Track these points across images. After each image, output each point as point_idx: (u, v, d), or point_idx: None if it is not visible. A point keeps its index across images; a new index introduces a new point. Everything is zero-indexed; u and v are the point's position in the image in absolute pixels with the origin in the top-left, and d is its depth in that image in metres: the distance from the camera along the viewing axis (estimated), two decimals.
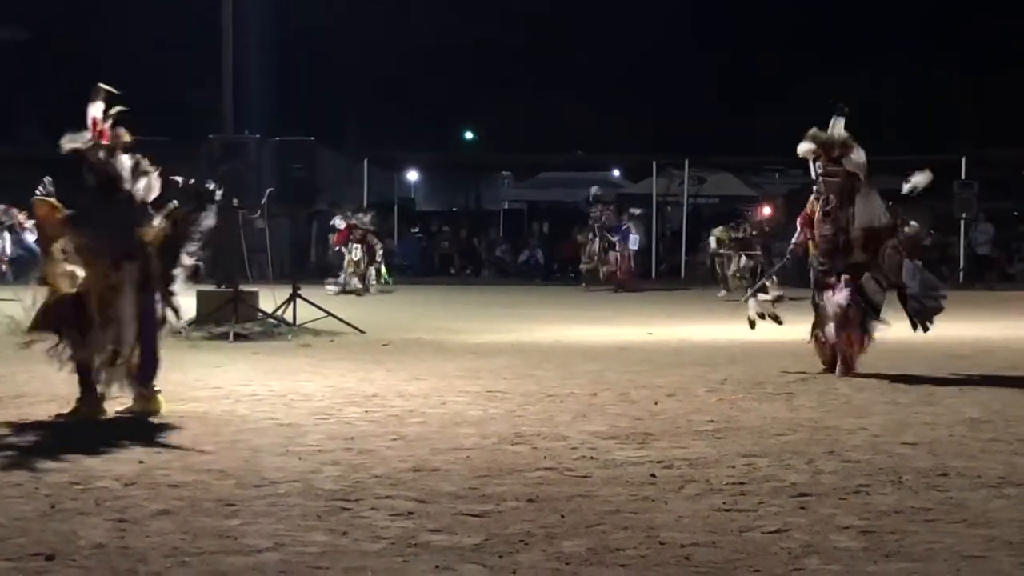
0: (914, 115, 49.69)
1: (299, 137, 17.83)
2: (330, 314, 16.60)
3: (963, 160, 32.14)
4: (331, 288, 23.52)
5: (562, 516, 6.31)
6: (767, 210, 28.02)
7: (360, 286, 24.56)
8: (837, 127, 11.98)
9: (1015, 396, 10.62)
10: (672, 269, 33.99)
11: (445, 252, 37.00)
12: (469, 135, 53.85)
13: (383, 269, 25.59)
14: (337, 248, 25.57)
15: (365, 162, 35.06)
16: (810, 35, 53.59)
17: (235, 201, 16.37)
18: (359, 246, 24.81)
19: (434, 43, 47.37)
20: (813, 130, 12.08)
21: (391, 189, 41.01)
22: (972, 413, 9.65)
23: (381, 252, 25.54)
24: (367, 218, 25.59)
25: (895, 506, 6.55)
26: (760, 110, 52.31)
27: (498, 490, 6.88)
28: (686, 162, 36.20)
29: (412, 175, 46.70)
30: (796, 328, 17.44)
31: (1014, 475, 7.33)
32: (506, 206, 45.36)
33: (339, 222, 25.29)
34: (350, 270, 24.70)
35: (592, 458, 7.81)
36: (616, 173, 43.70)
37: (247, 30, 27.26)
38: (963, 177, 31.54)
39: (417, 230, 39.00)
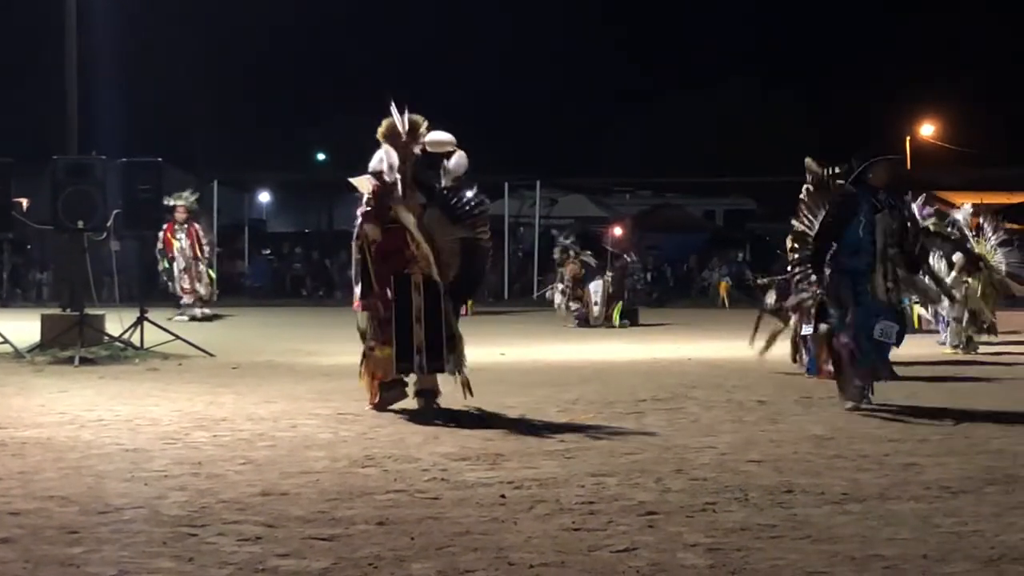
0: (760, 137, 50.54)
1: (145, 158, 17.56)
2: (179, 337, 16.38)
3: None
4: (181, 317, 23.02)
5: (412, 539, 6.29)
6: (618, 231, 28.29)
7: (200, 310, 23.69)
8: None
9: (858, 413, 10.81)
10: (524, 290, 34.12)
11: (297, 274, 36.72)
12: (321, 156, 53.64)
13: (211, 272, 24.36)
14: (167, 257, 24.05)
15: (215, 183, 34.68)
16: (659, 59, 54.23)
17: (80, 223, 16.09)
18: (187, 242, 23.63)
19: (286, 64, 47.14)
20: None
21: (242, 210, 40.65)
22: (816, 431, 9.82)
23: (208, 246, 24.26)
24: (190, 196, 24.28)
25: (741, 523, 6.63)
26: (611, 132, 52.87)
27: (348, 513, 6.84)
28: (538, 183, 36.42)
29: (264, 196, 46.36)
30: (648, 348, 17.67)
31: (857, 491, 7.47)
32: None
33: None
34: (188, 299, 23.71)
35: (443, 480, 7.80)
36: (469, 194, 43.73)
37: (94, 49, 26.87)
38: None
39: (268, 251, 38.68)
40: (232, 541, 6.23)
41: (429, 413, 10.55)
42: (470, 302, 25.69)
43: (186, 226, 23.79)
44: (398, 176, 10.76)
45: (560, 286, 23.32)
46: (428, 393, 10.76)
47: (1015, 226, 34.61)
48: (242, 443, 9.18)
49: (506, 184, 35.48)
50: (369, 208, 10.88)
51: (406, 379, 10.84)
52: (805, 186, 13.03)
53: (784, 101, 53.26)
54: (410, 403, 10.82)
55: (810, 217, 11.55)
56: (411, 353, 10.63)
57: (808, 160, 12.18)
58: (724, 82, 52.65)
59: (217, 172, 36.12)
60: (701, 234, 41.20)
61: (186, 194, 24.08)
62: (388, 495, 7.33)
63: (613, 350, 17.35)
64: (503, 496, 7.30)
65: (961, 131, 48.35)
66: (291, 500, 7.19)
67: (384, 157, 10.85)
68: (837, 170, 11.55)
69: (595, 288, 22.48)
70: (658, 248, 36.98)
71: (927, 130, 48.53)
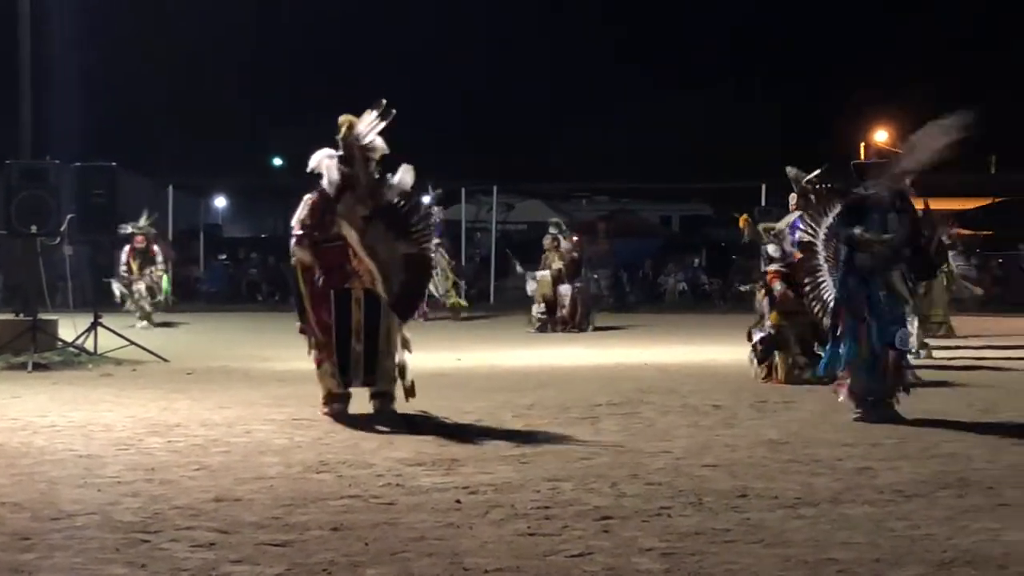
0: (717, 142, 50.69)
1: (99, 163, 17.47)
2: (133, 343, 16.30)
3: (763, 187, 32.85)
4: (142, 324, 22.88)
5: (366, 544, 6.27)
6: (574, 236, 28.25)
7: (147, 316, 23.48)
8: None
9: (812, 418, 10.87)
10: (481, 295, 34.09)
11: (252, 279, 36.56)
12: (278, 161, 53.47)
13: (164, 280, 24.14)
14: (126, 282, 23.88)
15: (170, 188, 34.51)
16: (617, 65, 54.37)
17: (34, 228, 15.99)
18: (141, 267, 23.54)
19: (242, 68, 47.00)
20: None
21: (197, 215, 40.47)
22: (771, 435, 9.85)
23: (162, 261, 24.07)
24: (147, 222, 24.13)
25: (695, 528, 6.65)
26: (568, 137, 52.93)
27: (302, 519, 6.82)
28: (494, 188, 36.43)
29: (220, 201, 46.20)
30: (604, 353, 17.69)
31: (810, 495, 7.50)
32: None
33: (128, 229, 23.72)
34: (137, 307, 23.54)
35: (398, 485, 7.79)
36: (426, 199, 43.72)
37: (48, 52, 26.70)
38: (763, 203, 32.20)
39: (224, 257, 38.51)
40: (185, 547, 6.20)
41: (387, 416, 10.55)
42: (462, 303, 25.64)
43: (146, 252, 23.77)
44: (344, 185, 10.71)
45: (539, 274, 23.10)
46: (385, 396, 10.76)
47: (966, 231, 34.88)
48: (196, 449, 9.14)
49: (463, 190, 35.45)
50: (302, 231, 10.84)
51: (350, 392, 10.83)
52: (791, 195, 13.08)
53: (739, 108, 53.46)
54: (366, 408, 10.79)
55: (814, 226, 11.46)
56: (350, 367, 10.68)
57: (789, 169, 12.23)
58: (682, 89, 52.80)
59: (172, 177, 35.89)
60: (657, 240, 41.30)
61: (143, 221, 24.04)
62: (342, 501, 7.31)
63: (570, 355, 17.36)
64: (458, 501, 7.29)
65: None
66: (245, 506, 7.16)
67: (325, 171, 10.80)
68: (817, 176, 11.54)
69: (564, 291, 22.46)
70: (615, 253, 37.02)
71: (880, 136, 48.77)
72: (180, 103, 47.88)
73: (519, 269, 25.31)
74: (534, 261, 23.93)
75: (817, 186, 13.04)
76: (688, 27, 55.17)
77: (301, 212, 10.94)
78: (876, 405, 10.66)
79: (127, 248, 23.64)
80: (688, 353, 17.30)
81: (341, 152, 10.79)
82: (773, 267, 14.03)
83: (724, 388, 12.96)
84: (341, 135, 10.76)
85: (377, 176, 10.85)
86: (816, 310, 11.70)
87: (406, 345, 10.92)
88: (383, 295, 10.61)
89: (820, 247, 11.49)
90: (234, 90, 50.00)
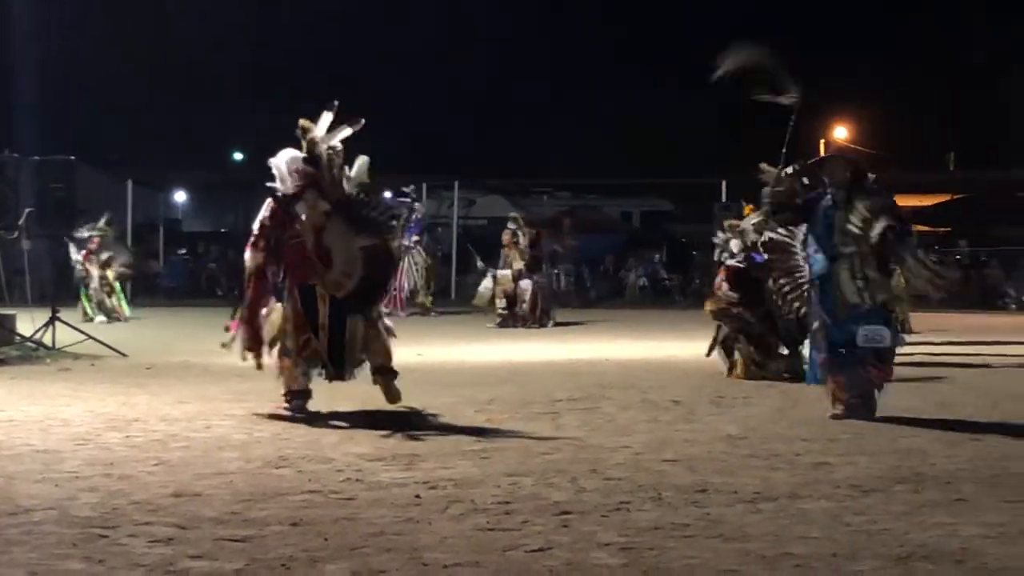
0: (677, 137, 50.83)
1: (58, 156, 17.38)
2: (91, 337, 16.22)
3: (724, 183, 32.97)
4: (100, 318, 22.75)
5: (325, 539, 6.27)
6: (534, 232, 28.24)
7: (106, 312, 23.31)
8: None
9: (771, 413, 10.92)
10: (442, 290, 34.07)
11: (212, 273, 36.43)
12: (238, 155, 53.26)
13: (118, 290, 23.94)
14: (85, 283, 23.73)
15: (129, 182, 34.34)
16: (576, 58, 54.38)
17: None
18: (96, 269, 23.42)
19: (202, 62, 46.80)
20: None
21: (157, 210, 40.29)
22: (730, 430, 9.89)
23: (114, 266, 23.88)
24: (105, 225, 23.95)
25: (655, 522, 6.67)
26: (528, 134, 52.94)
27: (261, 514, 6.80)
28: (456, 184, 36.42)
29: (179, 196, 45.97)
30: (565, 348, 17.71)
31: (769, 490, 7.53)
32: None
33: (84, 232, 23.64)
34: (93, 302, 23.38)
35: (358, 480, 7.78)
36: (387, 194, 43.65)
37: (6, 45, 26.55)
38: (723, 199, 32.29)
39: (184, 251, 38.36)
40: (143, 542, 6.18)
41: (393, 393, 10.63)
42: (428, 302, 25.42)
43: (100, 253, 23.59)
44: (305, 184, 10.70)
45: (499, 273, 23.05)
46: (387, 373, 10.77)
47: (924, 228, 35.06)
48: (155, 444, 9.10)
49: (424, 185, 35.40)
50: (257, 234, 10.83)
51: (311, 389, 10.81)
52: (764, 189, 13.04)
53: (699, 104, 53.58)
54: (325, 404, 10.77)
55: (790, 228, 11.31)
56: (318, 363, 10.68)
57: (764, 165, 12.19)
58: (640, 85, 52.88)
59: (132, 171, 35.72)
60: (618, 235, 41.37)
61: (101, 223, 23.90)
62: (302, 496, 7.30)
63: (530, 351, 17.39)
64: (418, 496, 7.29)
65: (874, 135, 48.89)
66: (204, 501, 7.14)
67: (278, 172, 10.79)
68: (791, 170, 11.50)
69: (525, 286, 22.46)
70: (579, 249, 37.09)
71: (840, 133, 48.99)
72: (139, 96, 47.65)
73: (480, 265, 25.24)
74: (495, 257, 23.91)
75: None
76: (647, 26, 55.25)
77: (262, 214, 10.91)
78: (855, 404, 10.59)
79: (83, 252, 23.47)
80: (648, 349, 17.35)
81: (305, 154, 10.77)
82: (730, 262, 14.07)
83: (684, 384, 13.00)
84: (304, 137, 10.75)
85: (338, 171, 10.85)
86: (798, 310, 11.48)
87: (390, 332, 10.94)
88: (334, 294, 10.60)
89: (798, 248, 11.33)
90: (194, 84, 49.73)
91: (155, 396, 11.86)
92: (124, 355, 15.68)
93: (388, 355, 10.83)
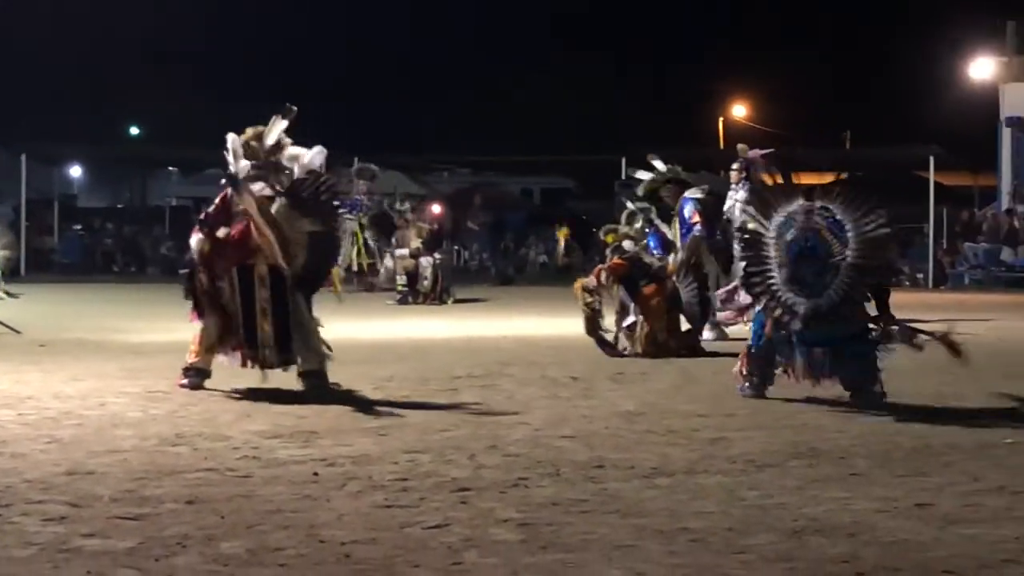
0: (577, 116, 50.97)
1: None
2: None
3: (623, 160, 33.06)
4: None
5: (221, 517, 6.22)
6: (436, 208, 28.21)
7: None
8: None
9: (669, 389, 11.00)
10: (346, 268, 33.91)
11: (108, 250, 36.01)
12: (135, 130, 52.68)
13: None
14: None
15: (23, 157, 33.83)
16: (475, 36, 54.36)
17: None
18: None
19: (99, 36, 46.16)
20: None
21: (51, 184, 39.74)
22: (628, 406, 9.94)
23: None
24: None
25: (552, 498, 6.69)
26: (429, 109, 52.81)
27: (156, 492, 6.74)
28: (355, 160, 36.22)
29: (75, 170, 45.39)
30: (464, 325, 17.72)
31: (666, 465, 7.59)
32: (173, 203, 44.48)
33: None
34: None
35: (255, 458, 7.72)
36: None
37: None
38: (623, 177, 32.36)
39: (79, 227, 37.88)
40: (36, 521, 6.09)
41: (315, 393, 10.33)
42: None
43: None
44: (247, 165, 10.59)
45: (397, 252, 22.96)
46: (313, 375, 10.59)
47: None
48: (48, 422, 8.98)
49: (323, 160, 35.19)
50: (204, 218, 10.71)
51: (211, 369, 10.69)
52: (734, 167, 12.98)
53: (600, 80, 53.76)
54: (223, 381, 10.67)
55: (763, 220, 10.48)
56: (257, 345, 10.52)
57: (741, 146, 12.20)
58: (543, 62, 52.93)
59: (25, 145, 35.16)
60: (519, 212, 41.43)
61: None
62: (198, 474, 7.24)
63: (430, 327, 17.37)
64: (315, 474, 7.26)
65: (772, 114, 49.37)
66: (98, 479, 7.06)
67: (234, 147, 10.67)
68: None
69: (426, 263, 22.41)
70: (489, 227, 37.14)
71: (739, 111, 49.41)
72: (33, 69, 46.91)
73: (370, 244, 25.07)
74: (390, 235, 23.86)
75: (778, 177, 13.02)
76: (548, 2, 55.36)
77: (214, 203, 10.80)
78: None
79: None
80: (548, 325, 17.39)
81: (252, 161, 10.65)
82: (619, 257, 14.06)
83: (583, 360, 13.04)
84: (249, 146, 10.65)
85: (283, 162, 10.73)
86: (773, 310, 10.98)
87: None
88: (285, 270, 10.46)
89: (771, 242, 10.44)
90: (90, 57, 49.07)
91: (48, 373, 11.69)
92: (17, 332, 15.43)
93: (322, 356, 10.69)
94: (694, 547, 5.80)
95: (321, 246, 10.73)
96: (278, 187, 10.60)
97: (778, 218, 10.40)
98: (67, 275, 31.14)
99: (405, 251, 22.65)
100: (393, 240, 23.66)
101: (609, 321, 13.84)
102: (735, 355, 13.47)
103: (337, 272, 12.05)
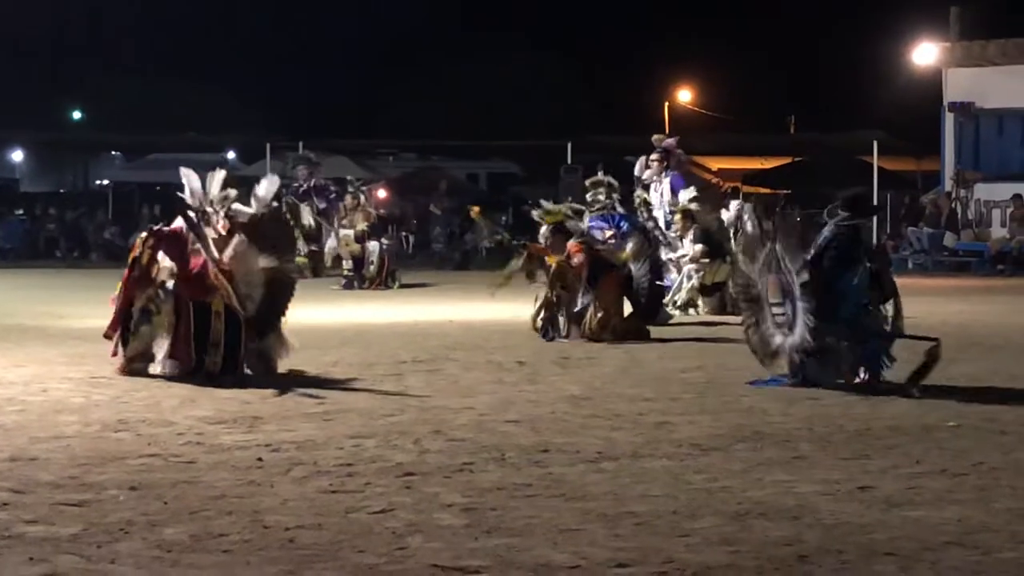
0: (523, 101, 50.97)
1: None
2: None
3: (569, 145, 33.10)
4: None
5: (165, 503, 6.19)
6: (382, 193, 28.18)
7: None
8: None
9: (614, 373, 11.02)
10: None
11: (50, 235, 35.69)
12: (77, 114, 52.23)
13: None
14: None
15: None
16: (430, 24, 54.23)
17: None
18: None
19: (42, 19, 45.73)
20: None
21: None
22: (574, 391, 9.96)
23: None
24: None
25: (497, 483, 6.70)
26: (375, 94, 52.65)
27: (99, 478, 6.70)
28: (300, 144, 36.07)
29: (16, 155, 44.99)
30: (410, 310, 17.69)
31: (611, 450, 7.61)
32: (115, 187, 44.18)
33: None
34: None
35: (199, 443, 7.69)
36: (231, 155, 43.18)
37: None
38: (569, 162, 32.41)
39: (21, 212, 37.53)
40: None
41: (258, 372, 10.49)
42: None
43: None
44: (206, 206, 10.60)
45: (342, 233, 22.83)
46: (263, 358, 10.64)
47: (766, 190, 35.60)
48: None
49: (268, 145, 35.07)
50: (152, 232, 10.70)
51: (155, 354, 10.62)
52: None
53: (546, 66, 53.78)
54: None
55: (751, 268, 10.44)
56: (204, 355, 10.42)
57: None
58: (487, 47, 52.88)
59: None
60: (465, 197, 41.37)
61: None
62: (141, 460, 7.20)
63: (375, 312, 17.33)
64: (260, 459, 7.24)
65: (718, 98, 49.54)
66: (40, 465, 7.01)
67: (188, 187, 10.67)
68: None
69: (372, 248, 22.33)
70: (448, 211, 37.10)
71: (684, 96, 49.50)
72: None
73: (310, 221, 24.82)
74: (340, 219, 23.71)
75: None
76: None
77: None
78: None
79: None
80: (493, 310, 17.37)
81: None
82: (574, 240, 14.01)
83: (528, 345, 13.04)
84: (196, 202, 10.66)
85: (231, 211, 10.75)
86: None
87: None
88: (239, 310, 10.42)
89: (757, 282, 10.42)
90: (32, 39, 48.62)
91: None
92: None
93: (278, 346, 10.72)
94: (639, 530, 5.83)
95: (275, 284, 10.73)
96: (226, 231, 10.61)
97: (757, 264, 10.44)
98: (8, 261, 30.88)
99: (350, 232, 22.54)
100: (335, 220, 23.47)
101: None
102: (680, 340, 13.59)
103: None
